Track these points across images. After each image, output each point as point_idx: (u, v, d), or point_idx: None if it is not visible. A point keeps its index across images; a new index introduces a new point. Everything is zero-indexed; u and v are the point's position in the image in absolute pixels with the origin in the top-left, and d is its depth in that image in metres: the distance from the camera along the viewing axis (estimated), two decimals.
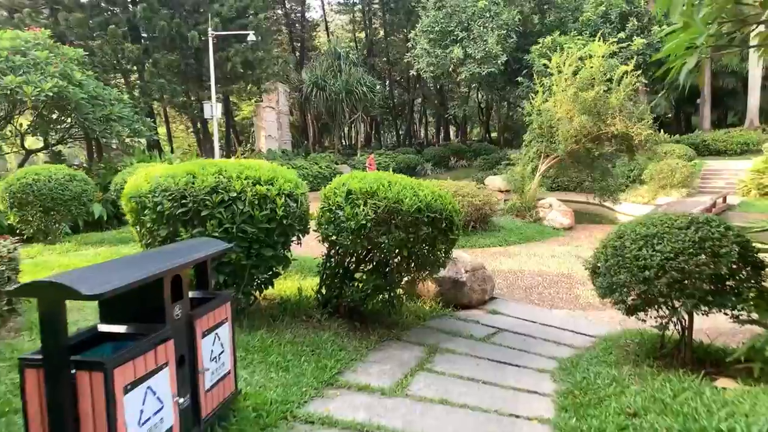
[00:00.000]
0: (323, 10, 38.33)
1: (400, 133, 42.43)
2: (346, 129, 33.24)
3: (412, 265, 5.58)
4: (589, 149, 13.92)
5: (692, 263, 4.07)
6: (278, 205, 4.60)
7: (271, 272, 5.16)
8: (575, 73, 13.46)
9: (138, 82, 22.41)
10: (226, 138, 31.72)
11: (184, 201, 4.51)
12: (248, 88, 25.19)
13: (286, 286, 6.38)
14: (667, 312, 4.62)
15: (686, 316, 4.59)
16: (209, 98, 20.25)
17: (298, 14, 37.69)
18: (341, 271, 5.54)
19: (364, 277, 5.44)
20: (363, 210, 4.88)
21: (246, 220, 4.53)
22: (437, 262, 5.68)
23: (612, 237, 4.90)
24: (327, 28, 38.75)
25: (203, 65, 21.93)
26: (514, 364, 4.92)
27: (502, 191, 22.16)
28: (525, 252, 10.73)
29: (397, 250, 5.24)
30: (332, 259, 5.54)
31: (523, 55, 22.49)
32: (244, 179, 4.63)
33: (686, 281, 4.13)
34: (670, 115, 31.92)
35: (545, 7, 24.51)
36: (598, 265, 4.91)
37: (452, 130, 45.51)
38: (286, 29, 37.45)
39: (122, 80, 23.65)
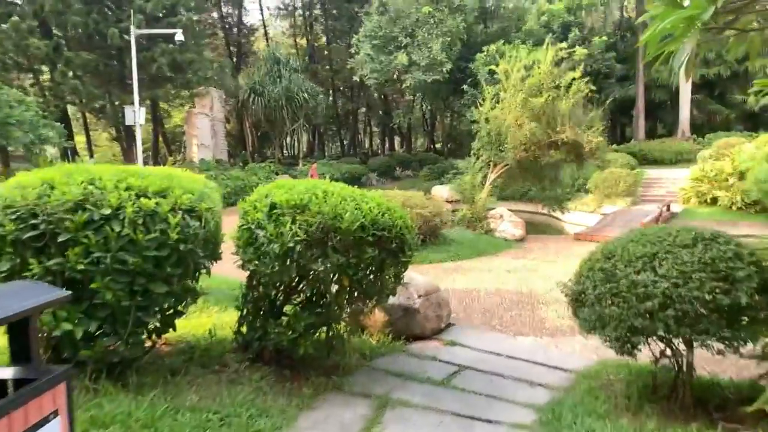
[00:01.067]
0: (261, 14, 36.79)
1: (345, 142, 41.43)
2: (288, 138, 31.81)
3: (356, 294, 4.52)
4: (538, 157, 13.48)
5: (705, 291, 3.26)
6: (172, 224, 3.40)
7: (169, 312, 3.91)
8: (523, 79, 13.00)
9: (50, 83, 20.05)
10: (154, 147, 29.39)
11: (34, 221, 3.24)
12: (178, 92, 23.26)
13: (197, 323, 5.11)
14: (663, 345, 3.83)
15: (685, 349, 3.81)
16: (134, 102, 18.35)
17: (235, 18, 35.97)
18: (266, 305, 4.40)
19: (296, 312, 4.32)
20: (290, 229, 3.78)
21: (125, 246, 3.30)
22: (386, 290, 4.65)
23: (598, 257, 4.07)
24: (266, 33, 37.23)
25: (126, 66, 19.94)
26: (484, 419, 3.94)
27: (449, 201, 21.60)
28: (479, 267, 9.93)
29: (336, 278, 4.16)
30: (254, 291, 4.38)
31: (468, 64, 22.22)
32: (124, 190, 3.42)
33: (698, 314, 3.31)
34: (606, 126, 32.89)
35: (488, 16, 24.46)
36: (584, 292, 4.03)
37: (397, 140, 45.12)
38: (222, 33, 35.60)
39: (32, 80, 21.15)
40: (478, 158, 13.77)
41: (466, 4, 21.03)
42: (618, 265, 3.77)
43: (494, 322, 6.80)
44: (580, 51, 18.41)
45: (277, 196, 4.13)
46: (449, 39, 20.57)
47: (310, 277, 4.16)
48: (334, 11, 32.99)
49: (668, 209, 15.62)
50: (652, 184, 19.99)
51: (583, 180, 20.12)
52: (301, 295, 4.43)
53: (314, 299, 4.44)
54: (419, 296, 6.10)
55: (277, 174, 27.41)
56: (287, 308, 4.39)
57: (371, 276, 4.42)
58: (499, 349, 5.76)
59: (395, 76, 21.75)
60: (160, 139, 36.03)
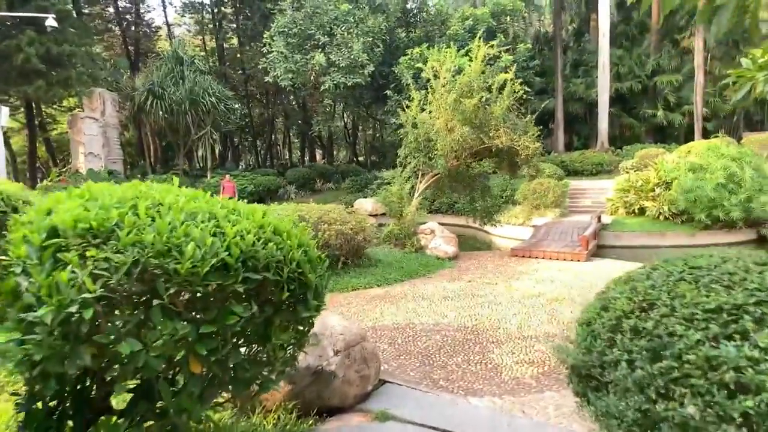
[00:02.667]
0: (164, 10, 33.36)
1: (261, 153, 38.65)
2: (200, 148, 28.58)
3: (217, 381, 2.62)
4: (470, 165, 12.22)
5: None
6: None
7: None
8: (454, 78, 11.71)
9: None
10: (30, 156, 25.15)
11: None
12: (56, 91, 19.72)
13: None
14: None
15: None
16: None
17: (133, 13, 32.29)
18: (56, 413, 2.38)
19: (107, 424, 2.35)
20: (75, 276, 1.76)
21: None
22: (275, 368, 2.81)
23: (624, 305, 2.45)
24: (169, 32, 33.79)
25: None
26: None
27: (373, 215, 19.95)
28: (411, 293, 8.24)
29: (179, 359, 2.26)
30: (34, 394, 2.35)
31: (391, 68, 20.93)
32: None
33: None
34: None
35: (411, 20, 23.45)
36: (604, 366, 2.38)
37: (319, 153, 43.06)
38: (118, 29, 31.79)
39: None
40: (405, 167, 12.25)
41: (387, 3, 19.75)
42: (668, 323, 2.16)
43: (437, 373, 5.08)
44: (506, 58, 17.63)
45: (61, 215, 2.18)
46: (371, 39, 19.12)
47: (125, 362, 2.25)
48: (246, 10, 30.49)
49: (599, 220, 15.02)
50: (578, 195, 19.66)
51: (511, 191, 19.37)
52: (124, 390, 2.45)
53: (141, 399, 2.48)
54: (336, 352, 4.27)
55: (180, 187, 24.36)
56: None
57: (247, 351, 2.57)
58: (448, 421, 4.02)
59: (312, 78, 19.88)
60: (43, 147, 31.35)
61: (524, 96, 12.16)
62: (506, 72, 12.37)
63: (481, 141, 11.62)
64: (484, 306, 7.42)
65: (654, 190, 16.02)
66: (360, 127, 33.81)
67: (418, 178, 12.46)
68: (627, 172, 19.37)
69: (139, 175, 27.03)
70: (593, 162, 24.24)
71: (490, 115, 11.71)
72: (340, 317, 4.73)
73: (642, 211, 16.14)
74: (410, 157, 12.20)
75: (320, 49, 19.21)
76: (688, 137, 28.46)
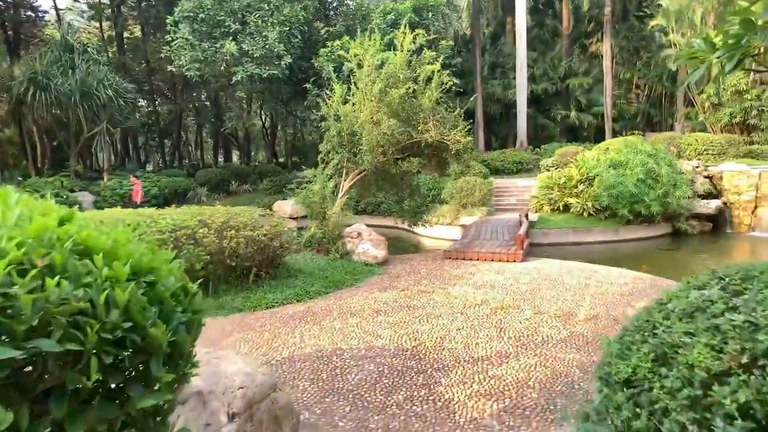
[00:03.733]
0: None
1: (171, 153, 35.45)
2: (101, 150, 25.13)
3: None
4: (398, 162, 11.27)
5: None
6: None
7: None
8: (380, 67, 10.70)
9: None
10: None
11: None
12: None
13: None
14: None
15: None
16: None
17: None
18: None
19: None
20: None
21: None
22: None
23: (700, 350, 1.44)
24: (59, 16, 29.84)
25: None
26: None
27: (294, 218, 18.50)
28: (338, 309, 7.06)
29: None
30: None
31: (310, 62, 19.59)
32: None
33: None
34: None
35: (330, 14, 22.25)
36: None
37: (236, 154, 40.42)
38: None
39: None
40: (327, 163, 11.03)
41: None
42: None
43: (373, 421, 3.94)
44: (429, 54, 16.89)
45: None
46: (287, 29, 17.62)
47: None
48: None
49: (527, 217, 14.75)
50: (502, 193, 19.52)
51: (437, 190, 18.79)
52: None
53: None
54: (233, 416, 3.01)
55: (72, 191, 21.34)
56: None
57: None
58: None
59: (223, 68, 17.97)
60: None
61: (451, 88, 11.42)
62: (433, 63, 11.55)
63: (409, 135, 10.70)
64: (423, 320, 6.42)
65: (577, 187, 16.08)
66: (279, 126, 31.93)
67: (342, 176, 11.31)
68: (548, 170, 19.52)
69: (19, 178, 23.46)
70: (513, 161, 24.47)
71: (418, 108, 10.84)
72: (242, 359, 3.45)
73: (566, 207, 16.14)
74: (333, 153, 11.02)
75: (231, 37, 17.41)
76: (598, 137, 29.81)
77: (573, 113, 30.48)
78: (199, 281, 2.11)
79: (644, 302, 7.01)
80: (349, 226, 10.70)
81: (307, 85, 11.47)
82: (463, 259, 10.56)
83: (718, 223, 16.05)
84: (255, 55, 17.20)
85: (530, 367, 4.89)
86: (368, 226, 12.67)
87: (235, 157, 41.85)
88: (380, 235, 10.92)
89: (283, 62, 17.49)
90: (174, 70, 17.75)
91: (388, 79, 10.43)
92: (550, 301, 7.21)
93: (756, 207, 15.46)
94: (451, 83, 10.88)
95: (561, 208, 16.23)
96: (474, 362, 5.03)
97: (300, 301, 7.54)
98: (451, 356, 5.21)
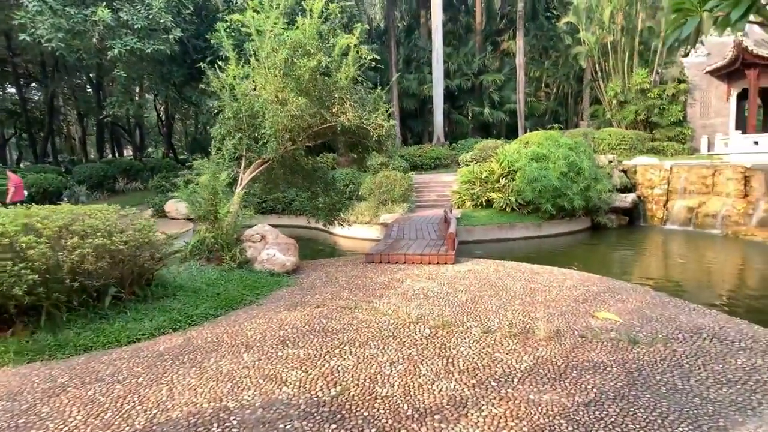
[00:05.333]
0: None
1: (44, 146, 30.38)
2: None
3: None
4: (311, 152, 9.57)
5: None
6: None
7: None
8: (285, 33, 8.89)
9: None
10: None
11: None
12: None
13: None
14: None
15: None
16: None
17: None
18: None
19: None
20: None
21: None
22: None
23: None
24: None
25: None
26: None
27: (192, 219, 16.04)
28: (229, 340, 5.23)
29: None
30: None
31: (207, 42, 17.11)
32: None
33: None
34: None
35: None
36: None
37: (131, 149, 35.84)
38: None
39: None
40: (222, 152, 9.02)
41: None
42: None
43: None
44: (343, 41, 15.20)
45: None
46: None
47: None
48: None
49: (450, 212, 13.70)
50: (423, 189, 18.46)
51: (355, 186, 17.28)
52: None
53: None
54: None
55: None
56: None
57: None
58: None
59: (95, 41, 14.90)
60: None
61: (371, 66, 9.87)
62: (349, 35, 9.92)
63: (322, 118, 9.01)
64: (345, 351, 4.81)
65: (499, 181, 15.37)
66: (177, 116, 28.54)
67: (241, 167, 9.35)
68: (467, 165, 18.80)
69: None
70: (431, 156, 23.64)
71: (333, 86, 9.18)
72: None
73: (489, 203, 15.38)
74: (229, 139, 9.02)
75: (104, 3, 14.43)
76: (510, 135, 30.08)
77: (486, 110, 30.48)
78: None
79: (604, 310, 5.96)
80: (251, 227, 8.78)
81: (202, 65, 9.44)
82: (388, 262, 9.10)
83: (633, 217, 16.16)
84: (136, 26, 14.39)
85: (499, 422, 3.47)
86: (277, 226, 10.81)
87: (129, 152, 37.27)
88: (290, 238, 9.12)
89: (171, 36, 14.86)
90: (27, 38, 14.36)
91: (296, 49, 8.66)
92: (498, 313, 5.92)
93: (667, 200, 15.69)
94: (371, 57, 9.32)
95: (484, 203, 15.44)
96: (421, 419, 3.51)
97: (178, 330, 5.60)
98: (387, 410, 3.65)
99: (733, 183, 14.02)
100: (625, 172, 16.49)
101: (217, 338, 5.30)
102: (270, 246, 8.28)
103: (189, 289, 6.62)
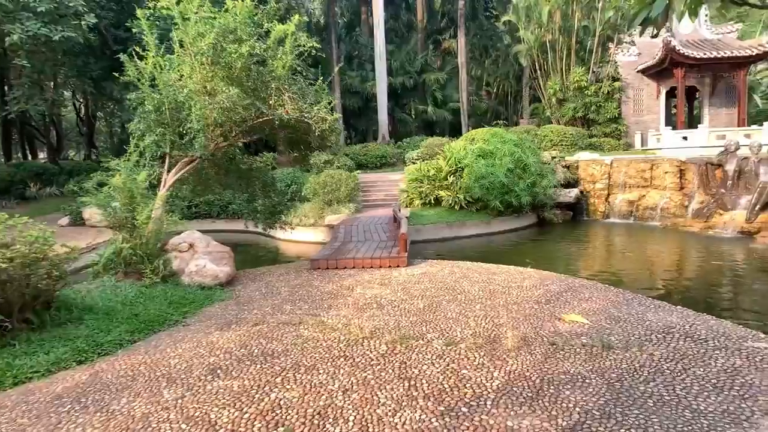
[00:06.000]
0: None
1: None
2: None
3: None
4: (248, 148, 8.67)
5: None
6: None
7: None
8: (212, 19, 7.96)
9: None
10: None
11: None
12: None
13: None
14: None
15: None
16: None
17: None
18: None
19: None
20: None
21: None
22: None
23: None
24: None
25: None
26: None
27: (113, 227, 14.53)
28: (146, 371, 4.33)
29: None
30: None
31: (129, 31, 15.59)
32: None
33: None
34: None
35: None
36: None
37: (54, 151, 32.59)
38: None
39: None
40: (140, 150, 7.95)
41: None
42: None
43: None
44: (280, 28, 14.31)
45: None
46: None
47: None
48: None
49: (399, 211, 13.18)
50: (369, 188, 17.83)
51: (298, 186, 16.38)
52: None
53: None
54: None
55: None
56: None
57: None
58: None
59: None
60: None
61: (311, 59, 9.10)
62: (286, 21, 9.08)
63: (258, 111, 8.15)
64: (288, 380, 4.07)
65: (447, 179, 15.02)
66: (100, 115, 26.26)
67: (165, 167, 8.30)
68: (414, 163, 18.39)
69: None
70: (376, 154, 23.06)
71: (269, 76, 8.36)
72: None
73: (438, 201, 14.99)
74: (149, 135, 7.97)
75: None
76: (454, 133, 30.09)
77: (430, 108, 30.38)
78: None
79: (569, 311, 5.57)
80: (178, 234, 7.77)
81: (121, 56, 8.26)
82: (336, 268, 8.38)
83: (576, 211, 16.33)
84: (39, 10, 12.68)
85: None
86: (211, 233, 9.84)
87: (45, 154, 34.06)
88: (224, 245, 8.18)
89: (84, 23, 13.29)
90: None
91: (225, 34, 7.76)
92: (459, 320, 5.38)
93: (609, 194, 15.96)
94: (311, 45, 8.57)
95: (432, 201, 15.03)
96: None
97: (83, 363, 4.62)
98: None
99: (670, 176, 14.41)
100: (567, 167, 16.65)
101: (132, 370, 4.39)
102: (200, 256, 7.33)
103: (100, 310, 5.59)
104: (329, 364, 4.34)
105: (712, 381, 3.82)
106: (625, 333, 4.81)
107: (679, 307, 5.75)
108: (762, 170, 11.91)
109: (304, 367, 4.28)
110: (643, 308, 5.62)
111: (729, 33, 19.97)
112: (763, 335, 4.70)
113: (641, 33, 17.54)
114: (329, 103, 8.65)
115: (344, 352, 4.60)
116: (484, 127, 27.29)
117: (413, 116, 32.19)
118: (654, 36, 20.59)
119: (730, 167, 12.54)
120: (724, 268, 9.43)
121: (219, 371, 4.28)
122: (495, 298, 6.24)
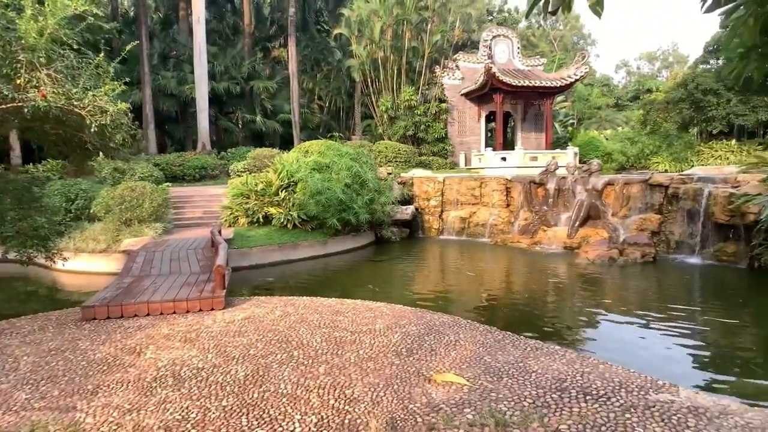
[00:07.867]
0: None
1: None
2: None
3: None
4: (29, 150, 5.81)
5: None
6: None
7: None
8: None
9: None
10: None
11: None
12: None
13: None
14: None
15: None
16: None
17: None
18: None
19: None
20: None
21: None
22: None
23: None
24: None
25: None
26: None
27: None
28: None
29: None
30: None
31: None
32: None
33: None
34: None
35: None
36: None
37: None
38: None
39: None
40: None
41: None
42: None
43: None
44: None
45: None
46: None
47: None
48: None
49: (220, 233, 11.02)
50: (184, 204, 15.05)
51: (85, 200, 12.91)
52: None
53: None
54: None
55: None
56: None
57: None
58: None
59: None
60: None
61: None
62: None
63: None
64: None
65: (278, 194, 13.30)
66: None
67: None
68: (240, 175, 16.23)
69: None
70: (195, 165, 20.12)
71: (16, 44, 5.75)
72: None
73: (267, 219, 13.15)
74: None
75: None
76: (284, 146, 28.40)
77: (259, 118, 28.20)
78: None
79: (440, 365, 4.39)
80: None
81: None
82: (121, 317, 6.03)
83: (413, 228, 16.04)
84: None
85: None
86: None
87: None
88: None
89: None
90: None
91: None
92: (298, 398, 3.77)
93: (442, 211, 16.01)
94: (87, 7, 6.16)
95: (261, 219, 13.13)
96: None
97: None
98: None
99: (497, 194, 14.93)
100: (403, 184, 16.32)
101: None
102: None
103: None
104: None
105: None
106: (515, 395, 3.76)
107: (556, 346, 5.01)
108: (578, 189, 12.86)
109: None
110: (520, 352, 4.74)
111: (537, 66, 22.31)
112: (661, 383, 4.07)
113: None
114: (114, 89, 6.32)
115: None
116: (318, 139, 26.19)
117: (240, 125, 29.59)
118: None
119: (551, 186, 13.34)
120: (553, 284, 9.54)
121: None
122: (343, 351, 4.79)
